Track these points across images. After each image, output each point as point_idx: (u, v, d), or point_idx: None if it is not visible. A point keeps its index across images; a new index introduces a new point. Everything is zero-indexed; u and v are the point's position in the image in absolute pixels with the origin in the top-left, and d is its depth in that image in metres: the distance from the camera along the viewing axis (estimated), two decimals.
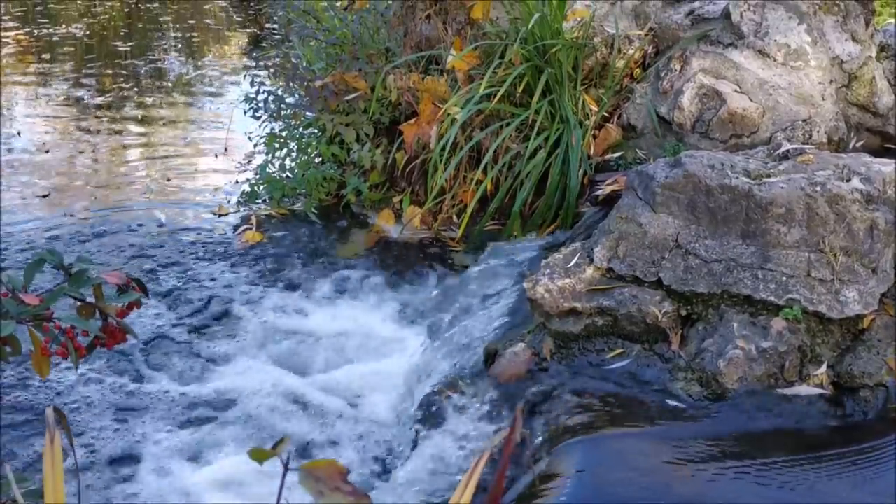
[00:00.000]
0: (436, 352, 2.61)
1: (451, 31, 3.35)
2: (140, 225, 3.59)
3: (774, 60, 3.12)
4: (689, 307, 2.02)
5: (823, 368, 1.84)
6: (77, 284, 1.47)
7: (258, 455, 0.65)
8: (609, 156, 3.33)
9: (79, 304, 1.51)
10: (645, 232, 2.08)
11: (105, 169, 4.13)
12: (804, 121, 3.03)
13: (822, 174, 1.98)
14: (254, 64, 4.01)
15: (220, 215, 3.73)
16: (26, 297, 1.41)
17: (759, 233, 1.95)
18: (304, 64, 3.80)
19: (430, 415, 2.21)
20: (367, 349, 2.79)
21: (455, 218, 3.54)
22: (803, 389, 1.82)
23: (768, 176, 1.99)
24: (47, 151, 4.23)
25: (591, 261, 2.14)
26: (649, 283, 2.05)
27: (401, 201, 3.63)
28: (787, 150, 2.10)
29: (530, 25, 3.15)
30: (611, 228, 2.15)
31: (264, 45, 6.72)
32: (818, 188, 1.94)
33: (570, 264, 2.16)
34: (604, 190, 2.92)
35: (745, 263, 1.95)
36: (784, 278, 1.91)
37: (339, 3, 4.03)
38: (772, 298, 1.90)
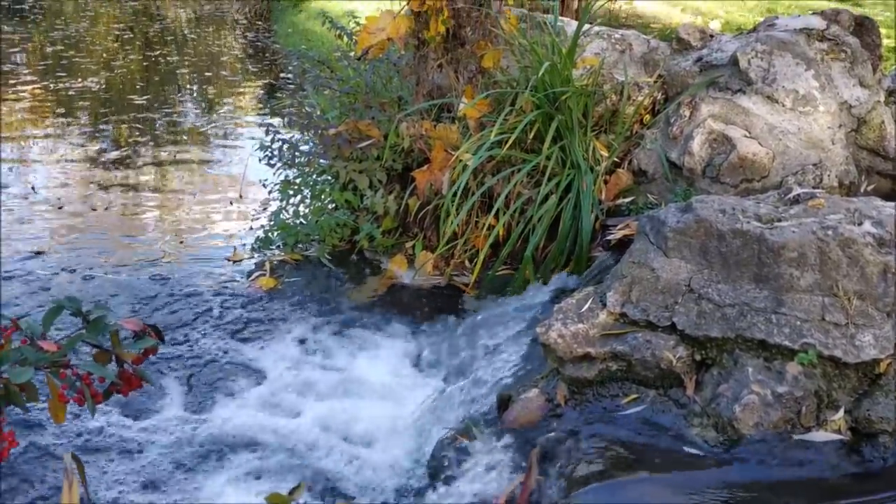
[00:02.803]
0: (449, 398, 2.60)
1: (462, 80, 3.41)
2: (155, 271, 3.62)
3: (783, 106, 3.15)
4: (703, 352, 2.01)
5: (840, 414, 1.83)
6: (95, 331, 1.49)
7: (276, 500, 0.66)
8: (620, 201, 3.35)
9: (96, 350, 1.52)
10: (657, 276, 2.08)
11: (120, 221, 4.19)
12: (814, 165, 3.04)
13: (834, 218, 1.98)
14: (268, 113, 4.07)
15: (234, 261, 3.76)
16: (45, 343, 1.43)
17: (771, 277, 1.95)
18: (318, 112, 3.86)
19: (443, 462, 2.19)
20: (379, 394, 2.78)
21: (467, 263, 3.56)
22: (820, 435, 1.80)
23: (780, 220, 2.00)
24: (61, 207, 4.29)
25: (604, 305, 2.14)
26: (663, 327, 2.05)
27: (413, 247, 3.65)
28: (798, 195, 2.11)
29: (540, 74, 3.19)
30: (623, 273, 2.15)
31: (279, 94, 6.84)
32: (830, 232, 1.94)
33: (583, 309, 2.16)
34: (616, 235, 2.93)
35: (758, 308, 1.94)
36: (798, 322, 1.91)
37: (352, 54, 4.11)
38: (786, 343, 1.90)
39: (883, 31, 3.83)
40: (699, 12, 6.92)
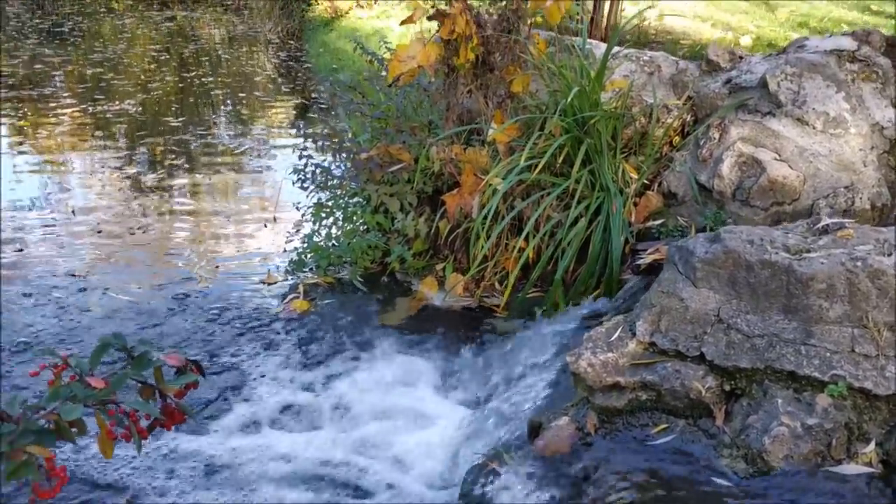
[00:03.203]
0: (480, 422, 2.63)
1: (491, 105, 3.45)
2: (190, 293, 3.70)
3: (813, 128, 3.14)
4: (732, 382, 2.03)
5: (871, 446, 1.83)
6: (139, 367, 1.55)
7: None
8: (650, 223, 3.36)
9: (140, 385, 1.58)
10: (686, 307, 2.10)
11: (156, 244, 4.29)
12: (846, 188, 3.03)
13: (863, 249, 1.99)
14: (301, 135, 4.15)
15: (268, 284, 3.84)
16: (92, 380, 1.49)
17: (800, 308, 1.96)
18: (350, 136, 3.93)
19: (476, 488, 2.22)
20: (412, 417, 2.82)
21: (497, 285, 3.59)
22: (851, 468, 1.80)
23: (808, 251, 2.01)
24: (100, 232, 4.41)
25: (634, 335, 2.16)
26: (692, 357, 2.06)
27: (444, 269, 3.70)
28: (827, 225, 2.11)
29: (569, 99, 3.22)
30: (652, 302, 2.17)
31: (311, 114, 6.95)
32: (859, 263, 1.95)
33: (613, 338, 2.18)
34: (645, 259, 2.94)
35: (787, 339, 1.95)
36: (828, 354, 1.91)
37: (382, 73, 4.17)
38: (816, 374, 1.90)
39: None
40: (729, 27, 6.89)
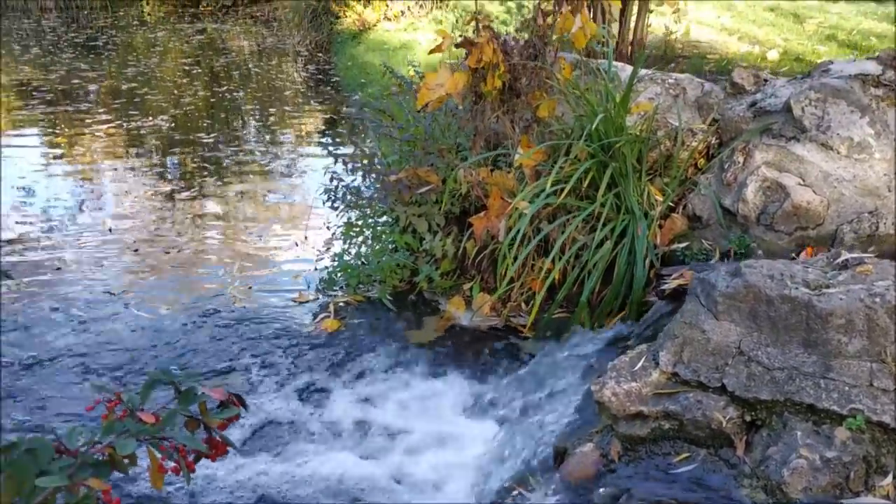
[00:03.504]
0: (507, 445, 2.70)
1: (518, 129, 3.53)
2: (224, 312, 3.82)
3: (838, 153, 3.18)
4: (753, 413, 2.08)
5: (889, 479, 1.87)
6: (186, 402, 1.64)
7: None
8: (675, 246, 3.41)
9: (186, 417, 1.68)
10: (708, 338, 2.16)
11: (190, 262, 4.42)
12: (870, 213, 3.06)
13: (882, 285, 2.03)
14: (331, 154, 4.25)
15: (300, 302, 3.94)
16: (143, 415, 1.59)
17: (820, 342, 2.01)
18: (379, 158, 4.03)
19: None
20: (439, 439, 2.90)
21: (524, 305, 3.66)
22: (869, 501, 1.84)
23: (827, 287, 2.06)
24: (136, 251, 4.55)
25: (657, 364, 2.23)
26: (713, 388, 2.12)
27: (471, 288, 3.77)
28: (847, 260, 2.16)
29: (594, 126, 3.29)
30: (675, 333, 2.23)
31: (340, 129, 7.07)
32: (878, 300, 1.99)
33: (636, 367, 2.25)
34: (670, 284, 2.99)
35: (807, 372, 2.01)
36: (846, 388, 1.96)
37: (409, 95, 4.26)
38: (835, 408, 1.95)
39: None
40: (756, 40, 6.89)
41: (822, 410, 1.97)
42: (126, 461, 1.56)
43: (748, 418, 2.07)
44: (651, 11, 6.56)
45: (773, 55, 6.36)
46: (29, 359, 3.42)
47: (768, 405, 2.04)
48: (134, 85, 8.71)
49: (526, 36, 3.63)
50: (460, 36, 3.32)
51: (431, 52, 3.32)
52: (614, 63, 3.90)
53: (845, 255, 2.20)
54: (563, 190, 3.39)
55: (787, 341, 2.06)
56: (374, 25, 9.79)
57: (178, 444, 1.53)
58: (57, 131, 7.11)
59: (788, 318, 2.06)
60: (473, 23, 3.30)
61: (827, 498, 1.87)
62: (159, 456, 1.50)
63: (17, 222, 4.97)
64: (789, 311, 2.05)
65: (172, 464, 1.52)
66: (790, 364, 2.03)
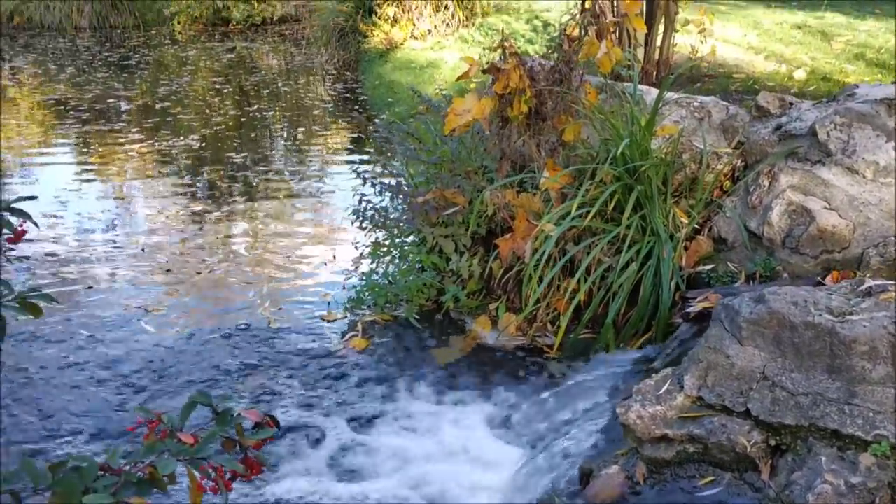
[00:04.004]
0: (533, 466, 2.73)
1: (544, 152, 3.58)
2: (255, 332, 3.90)
3: (863, 177, 3.19)
4: (777, 438, 2.10)
5: None
6: (223, 424, 1.71)
7: None
8: (701, 268, 3.43)
9: (223, 438, 1.75)
10: (732, 364, 2.19)
11: (221, 282, 4.51)
12: None
13: None
14: (360, 178, 4.33)
15: (328, 321, 4.01)
16: (182, 436, 1.66)
17: (844, 368, 2.03)
18: (405, 180, 4.10)
19: None
20: (465, 459, 2.93)
21: (550, 326, 3.69)
22: None
23: (851, 314, 2.08)
24: (169, 271, 4.65)
25: (682, 388, 2.26)
26: (738, 412, 2.15)
27: (497, 308, 3.82)
28: (871, 287, 2.18)
29: (619, 150, 3.33)
30: (699, 358, 2.26)
31: (368, 148, 7.16)
32: None
33: (661, 391, 2.28)
34: (695, 307, 3.02)
35: (831, 398, 2.03)
36: (871, 414, 1.98)
37: (436, 117, 4.33)
38: (859, 433, 1.97)
39: None
40: (783, 59, 6.89)
41: (847, 436, 1.98)
42: (166, 480, 1.63)
43: (773, 443, 2.10)
44: (677, 31, 6.59)
45: (800, 74, 6.35)
46: (39, 370, 3.53)
47: (793, 430, 2.06)
48: (167, 104, 8.89)
49: (553, 58, 3.69)
50: (487, 63, 3.39)
51: (459, 78, 3.39)
52: (640, 87, 3.94)
53: (869, 283, 2.22)
54: (588, 212, 3.44)
55: (812, 367, 2.08)
56: (402, 44, 9.91)
57: (217, 465, 1.59)
58: (90, 149, 7.28)
59: (812, 345, 2.08)
60: (500, 49, 3.36)
61: None
62: (198, 476, 1.57)
63: (51, 239, 5.10)
64: (813, 337, 2.08)
65: (211, 483, 1.58)
66: (814, 390, 2.06)
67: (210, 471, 1.59)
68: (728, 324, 2.25)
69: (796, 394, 2.08)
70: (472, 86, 4.61)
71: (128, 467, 1.56)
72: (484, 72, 3.37)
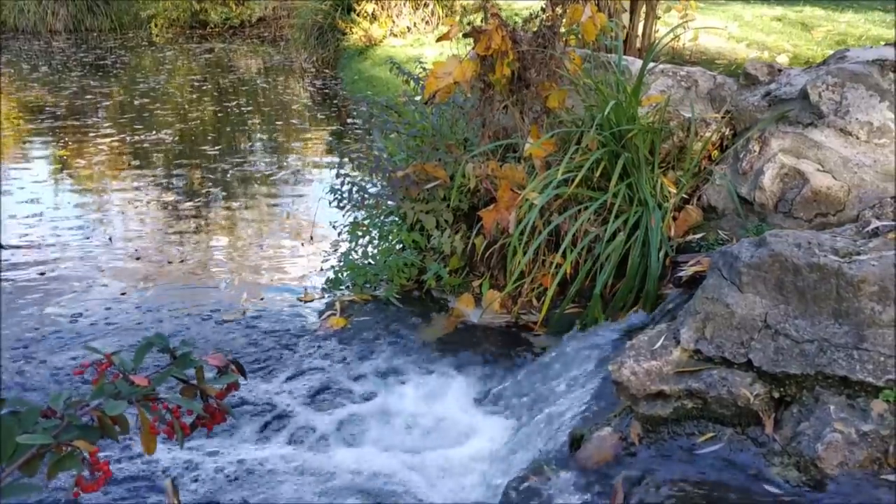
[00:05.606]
0: (521, 435, 2.59)
1: (527, 121, 3.45)
2: (228, 310, 3.73)
3: (857, 138, 3.09)
4: (781, 389, 1.97)
5: None
6: (182, 366, 1.55)
7: None
8: (690, 237, 3.31)
9: (182, 385, 1.58)
10: (732, 312, 2.05)
11: (196, 266, 4.34)
12: (893, 198, 2.96)
13: None
14: (337, 157, 4.19)
15: (306, 302, 3.85)
16: (136, 378, 1.50)
17: (851, 312, 1.91)
18: (386, 156, 3.96)
19: (517, 501, 2.18)
20: (452, 432, 2.79)
21: (535, 301, 3.56)
22: None
23: (858, 254, 1.96)
24: (138, 259, 4.47)
25: (678, 342, 2.12)
26: (739, 364, 2.01)
27: (480, 285, 3.68)
28: (877, 227, 2.06)
29: (606, 112, 3.21)
30: (696, 309, 2.13)
31: (347, 139, 7.02)
32: None
33: (656, 346, 2.14)
34: (686, 271, 2.89)
35: (838, 343, 1.90)
36: (882, 358, 1.85)
37: (417, 98, 4.20)
38: (870, 379, 1.84)
39: None
40: (765, 47, 6.84)
41: (857, 383, 1.86)
42: (116, 427, 1.47)
43: (776, 394, 1.96)
44: (659, 18, 6.51)
45: (782, 59, 6.30)
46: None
47: (798, 380, 1.93)
48: (145, 101, 8.70)
49: (533, 28, 3.57)
50: (468, 25, 3.26)
51: (440, 39, 3.26)
52: (625, 57, 3.83)
53: (875, 223, 2.10)
54: (573, 180, 3.31)
55: (817, 312, 1.96)
56: (381, 41, 9.78)
57: (172, 406, 1.44)
58: (61, 144, 7.07)
59: (817, 288, 1.95)
60: (481, 12, 3.23)
61: (864, 473, 1.76)
62: (150, 417, 1.41)
63: (22, 234, 4.90)
64: (818, 279, 1.95)
65: (165, 426, 1.42)
66: (820, 336, 1.93)
67: (164, 412, 1.43)
68: (726, 271, 2.12)
69: (801, 341, 1.95)
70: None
71: (71, 410, 1.40)
72: (465, 35, 3.24)
